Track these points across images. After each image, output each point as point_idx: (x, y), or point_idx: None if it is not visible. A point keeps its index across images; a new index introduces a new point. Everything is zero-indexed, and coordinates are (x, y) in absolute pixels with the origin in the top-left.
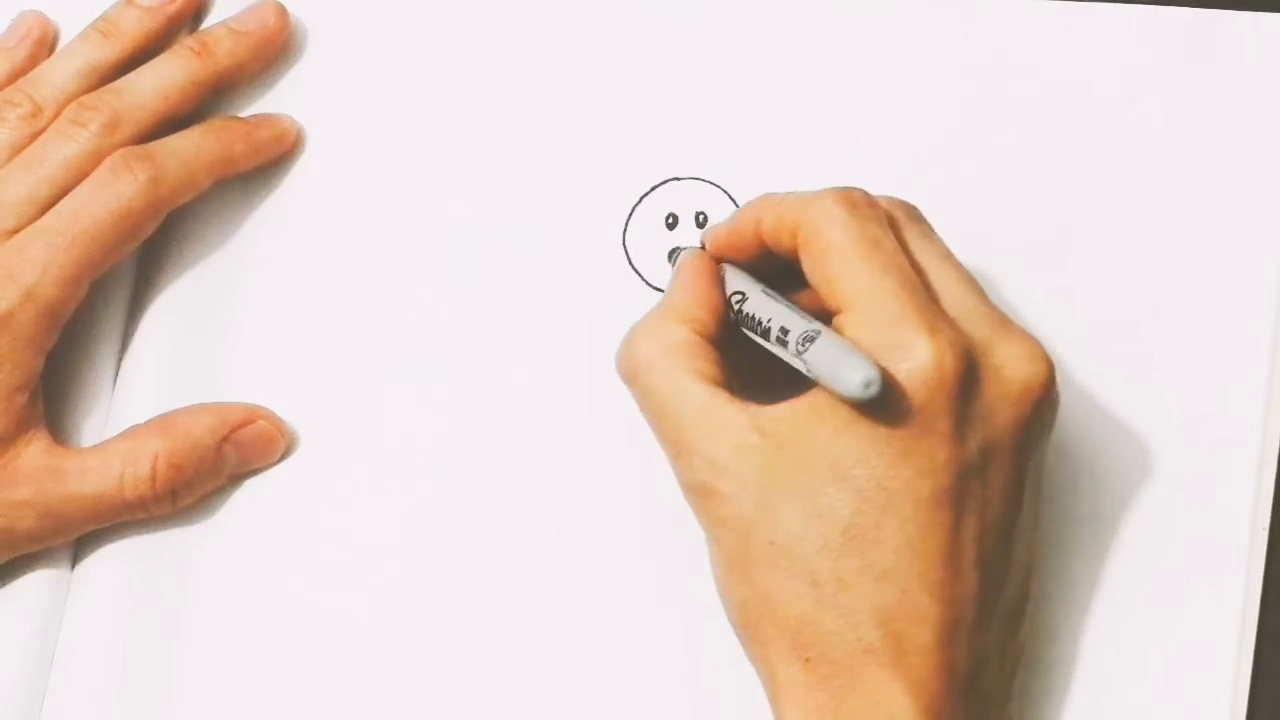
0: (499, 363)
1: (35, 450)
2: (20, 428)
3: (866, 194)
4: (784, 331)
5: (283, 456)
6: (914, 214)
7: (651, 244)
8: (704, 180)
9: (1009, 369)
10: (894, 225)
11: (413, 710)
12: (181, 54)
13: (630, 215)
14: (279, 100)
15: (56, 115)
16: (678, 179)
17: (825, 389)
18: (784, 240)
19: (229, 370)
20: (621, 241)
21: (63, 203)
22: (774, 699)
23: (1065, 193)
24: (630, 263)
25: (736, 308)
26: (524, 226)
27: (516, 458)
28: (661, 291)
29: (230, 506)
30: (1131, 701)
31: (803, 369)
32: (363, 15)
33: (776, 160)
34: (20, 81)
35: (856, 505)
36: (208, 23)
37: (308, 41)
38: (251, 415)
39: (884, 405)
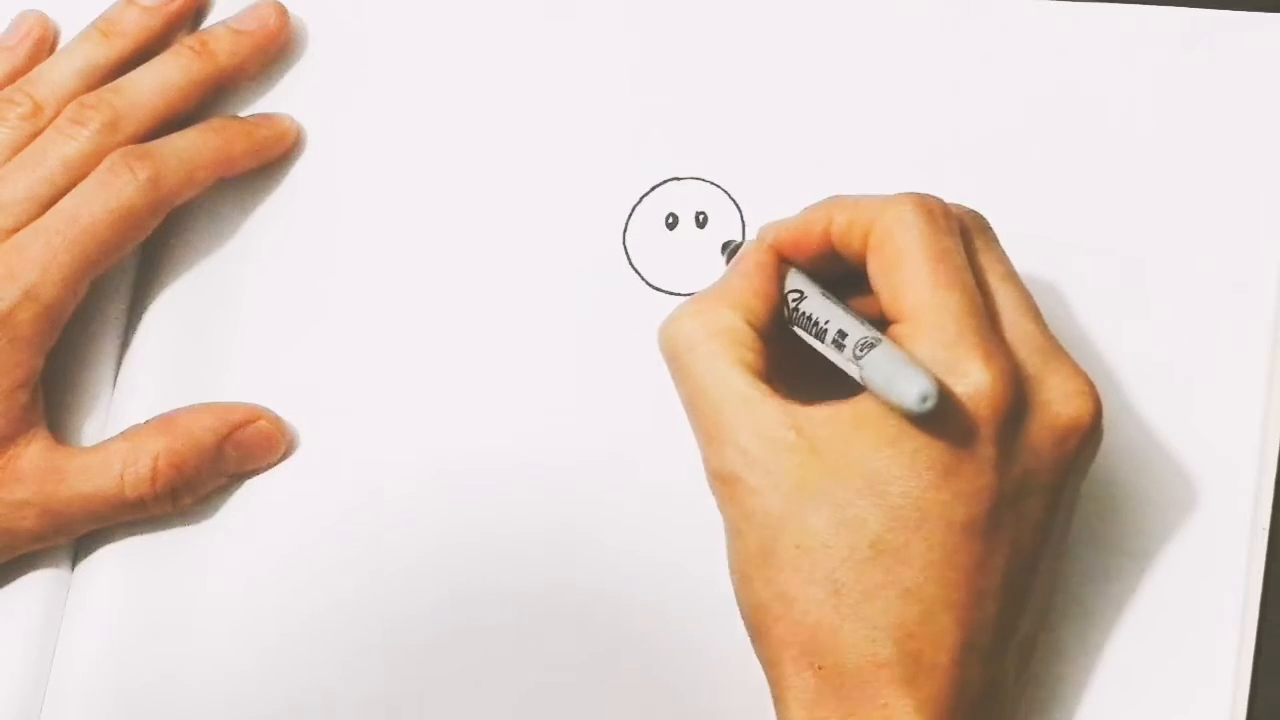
0: (499, 362)
1: (36, 450)
2: (20, 427)
3: (942, 202)
4: (841, 335)
5: (283, 456)
6: (984, 225)
7: (651, 244)
8: (704, 180)
9: (1057, 404)
10: (964, 236)
11: (413, 710)
12: (182, 53)
13: (630, 215)
14: (279, 100)
15: (56, 114)
16: (678, 179)
17: (874, 399)
18: (854, 242)
19: (229, 370)
20: (621, 241)
21: (63, 202)
22: (780, 702)
23: (1065, 193)
24: (630, 263)
25: (793, 305)
26: (524, 226)
27: (517, 457)
28: (662, 291)
29: (230, 506)
30: (1131, 701)
31: (856, 374)
32: (363, 15)
33: (776, 160)
34: (20, 81)
35: (888, 521)
36: (208, 23)
37: (308, 41)
38: (252, 415)
39: (932, 425)
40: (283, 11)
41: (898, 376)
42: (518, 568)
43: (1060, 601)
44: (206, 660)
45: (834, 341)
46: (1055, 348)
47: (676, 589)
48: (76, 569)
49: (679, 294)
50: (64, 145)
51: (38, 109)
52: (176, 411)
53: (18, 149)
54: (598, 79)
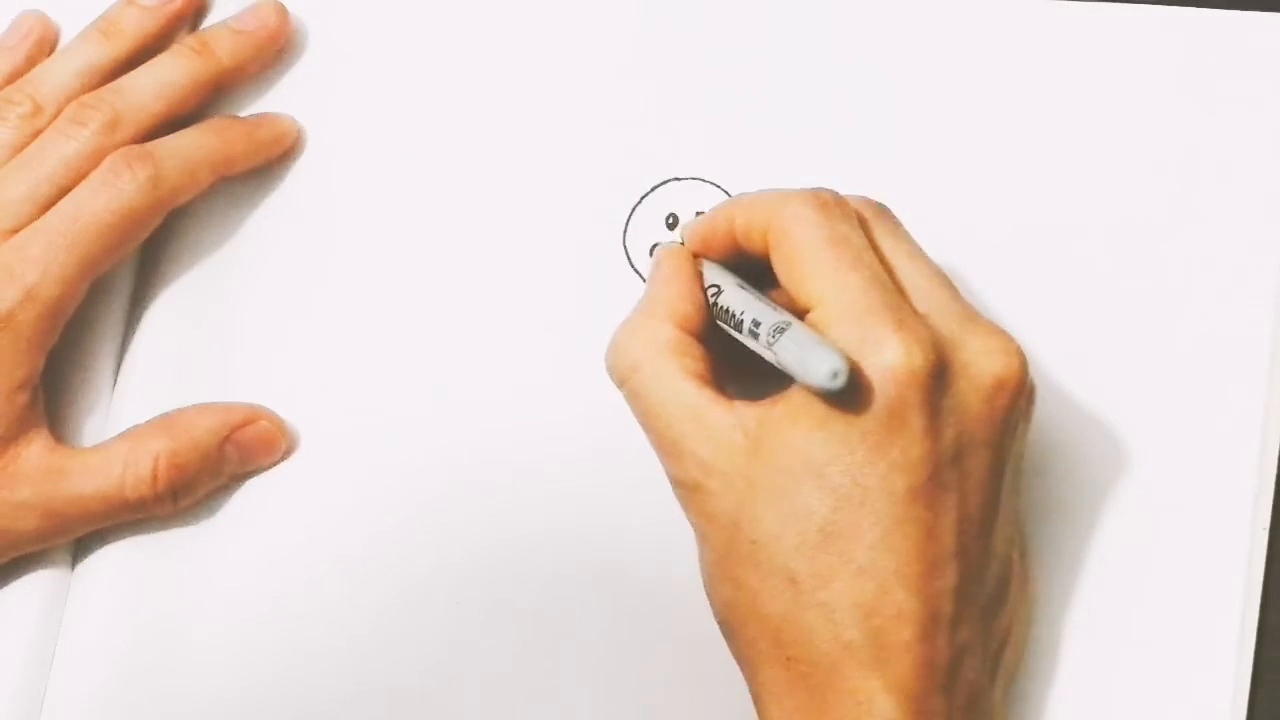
0: (499, 363)
1: (36, 450)
2: (21, 427)
3: (835, 193)
4: (755, 324)
5: (283, 457)
6: (883, 212)
7: (651, 244)
8: (704, 180)
9: (980, 363)
10: (863, 224)
11: (414, 709)
12: (182, 53)
13: (630, 215)
14: (279, 100)
15: (57, 114)
16: (678, 179)
17: (799, 385)
18: (755, 240)
19: (229, 370)
20: (622, 241)
21: (63, 202)
22: (757, 699)
23: (1065, 193)
24: (630, 263)
25: (712, 300)
26: (524, 227)
27: (517, 457)
28: None
29: (230, 506)
30: (1131, 701)
31: (773, 360)
32: (363, 15)
33: (776, 160)
34: (20, 81)
35: (833, 503)
36: (208, 23)
37: (308, 41)
38: (253, 415)
39: (855, 401)
40: (283, 11)
41: (808, 357)
42: (519, 567)
43: (1059, 607)
44: (206, 660)
45: (750, 331)
46: (971, 312)
47: (677, 588)
48: (76, 569)
49: None
50: (64, 145)
51: (38, 109)
52: (177, 411)
53: (18, 149)
54: (598, 79)
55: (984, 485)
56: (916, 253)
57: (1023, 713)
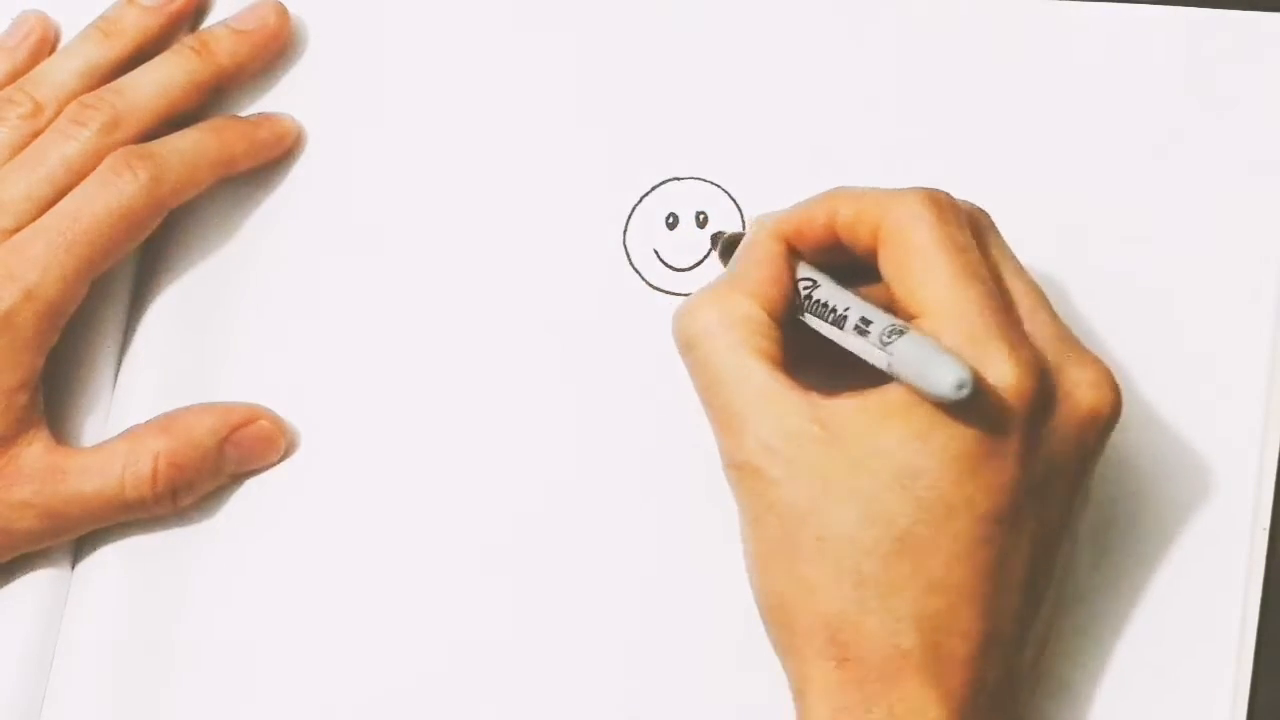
0: (499, 362)
1: (36, 450)
2: (21, 427)
3: (951, 197)
4: (865, 322)
5: (283, 457)
6: (990, 222)
7: (651, 244)
8: (704, 180)
9: (1080, 393)
10: (975, 231)
11: (413, 710)
12: (182, 53)
13: (630, 215)
14: (279, 100)
15: (57, 114)
16: (678, 179)
17: (900, 390)
18: (861, 235)
19: (229, 370)
20: (622, 241)
21: (63, 202)
22: (801, 694)
23: (1065, 192)
24: (630, 263)
25: (805, 293)
26: (524, 226)
27: (517, 457)
28: (662, 291)
29: (230, 506)
30: (1131, 701)
31: (882, 362)
32: (363, 15)
33: (776, 160)
34: (21, 81)
35: (916, 514)
36: (208, 22)
37: (308, 41)
38: (252, 415)
39: (963, 416)
40: (283, 11)
41: (931, 363)
42: (518, 567)
43: (1061, 601)
44: (206, 660)
45: (858, 328)
46: (1072, 339)
47: (678, 587)
48: (76, 569)
49: (679, 294)
50: (64, 145)
51: (38, 109)
52: (177, 411)
53: (18, 149)
54: (598, 79)
55: (1060, 514)
56: (1020, 268)
57: (1023, 713)
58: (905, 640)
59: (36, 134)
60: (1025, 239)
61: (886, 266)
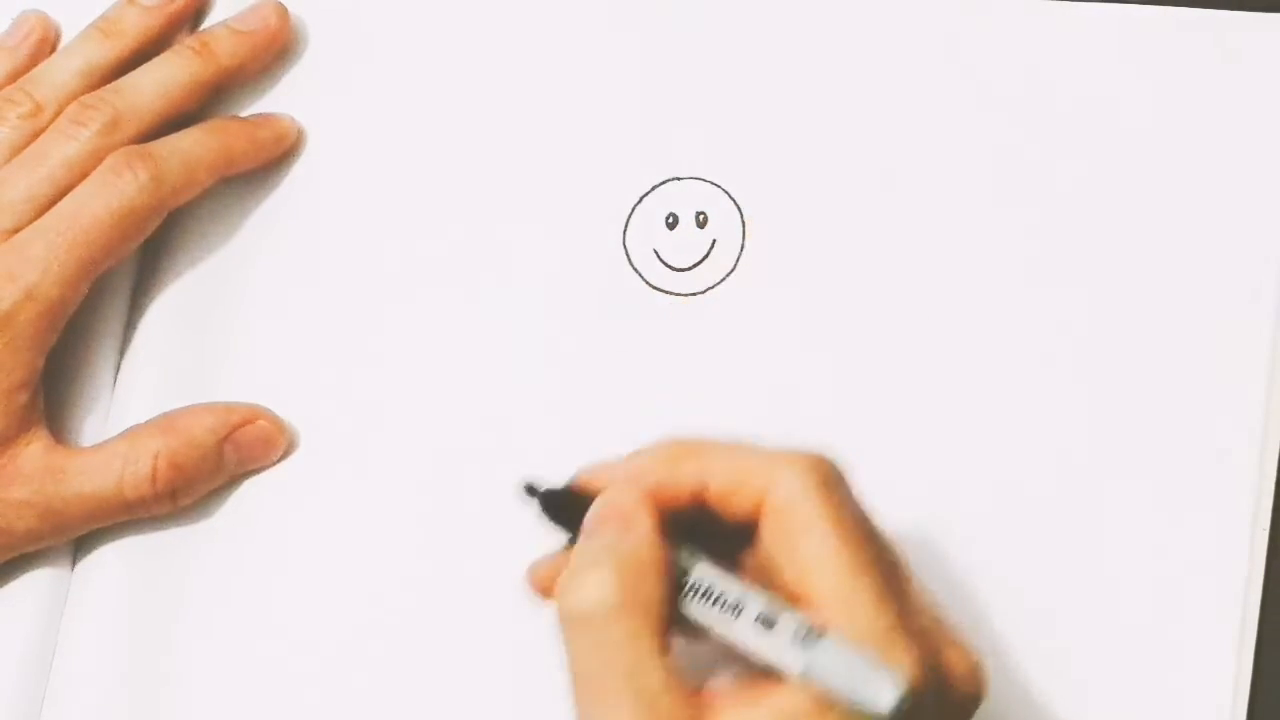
0: (499, 362)
1: (36, 450)
2: (21, 427)
3: (834, 465)
4: (766, 619)
5: (283, 456)
6: (846, 482)
7: (651, 244)
8: (704, 180)
9: (957, 682)
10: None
11: (414, 709)
12: (182, 53)
13: (630, 215)
14: (279, 100)
15: (57, 114)
16: (678, 179)
17: (800, 695)
18: (739, 506)
19: (229, 370)
20: (621, 241)
21: (63, 202)
22: None
23: (1065, 193)
24: (630, 263)
25: (681, 569)
26: (524, 226)
27: (516, 457)
28: (662, 291)
29: (230, 506)
30: (1132, 701)
31: (792, 666)
32: (363, 15)
33: (776, 160)
34: (21, 81)
35: None
36: (208, 23)
37: (308, 41)
38: (252, 415)
39: (857, 716)
40: (283, 11)
41: (865, 675)
42: (518, 567)
43: (1059, 607)
44: (206, 660)
45: (760, 622)
46: (943, 616)
47: None
48: (76, 569)
49: (679, 294)
50: (65, 145)
51: (38, 109)
52: (176, 411)
53: (18, 149)
54: (598, 79)
55: None
56: (883, 531)
57: (1024, 714)
58: None
59: (37, 134)
60: (1023, 239)
61: (773, 542)
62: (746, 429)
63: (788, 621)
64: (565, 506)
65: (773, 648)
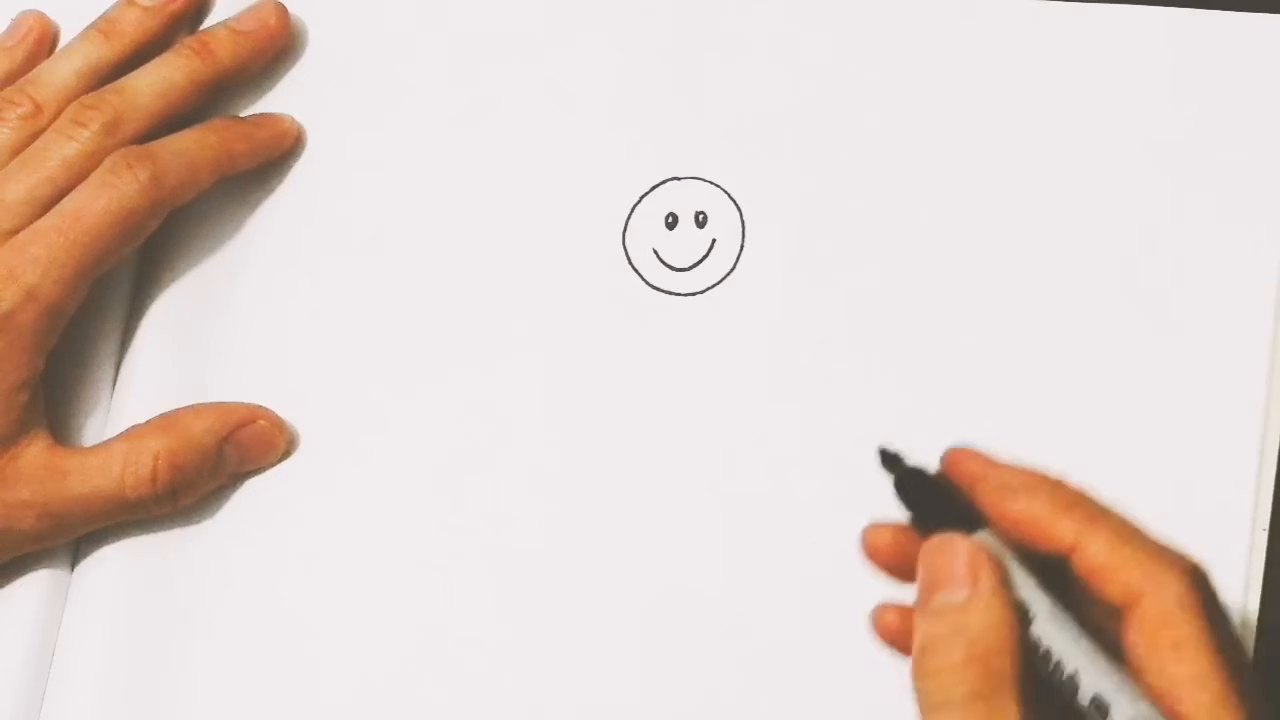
0: (499, 362)
1: (36, 450)
2: (21, 428)
3: (1210, 582)
4: (1101, 705)
5: (283, 456)
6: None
7: (651, 244)
8: (704, 180)
9: None
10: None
11: (413, 709)
12: (182, 54)
13: (630, 215)
14: (279, 100)
15: (57, 115)
16: (678, 179)
17: None
18: (1110, 589)
19: (229, 370)
20: (621, 241)
21: (63, 202)
22: None
23: (1063, 194)
24: (630, 263)
25: (1023, 613)
26: (524, 226)
27: (516, 457)
28: (662, 291)
29: (230, 506)
30: None
31: None
32: (363, 15)
33: (776, 160)
34: (20, 81)
35: None
36: (208, 23)
37: (308, 41)
38: (252, 415)
39: None
40: (283, 11)
41: None
42: (517, 567)
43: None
44: (206, 660)
45: (1093, 704)
46: None
47: (675, 589)
48: (76, 569)
49: (679, 294)
50: (64, 146)
51: (38, 109)
52: (177, 411)
53: (18, 150)
54: (598, 78)
55: None
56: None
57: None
58: None
59: (36, 134)
60: (1023, 239)
61: (1142, 642)
62: (746, 428)
63: (1124, 713)
64: (922, 488)
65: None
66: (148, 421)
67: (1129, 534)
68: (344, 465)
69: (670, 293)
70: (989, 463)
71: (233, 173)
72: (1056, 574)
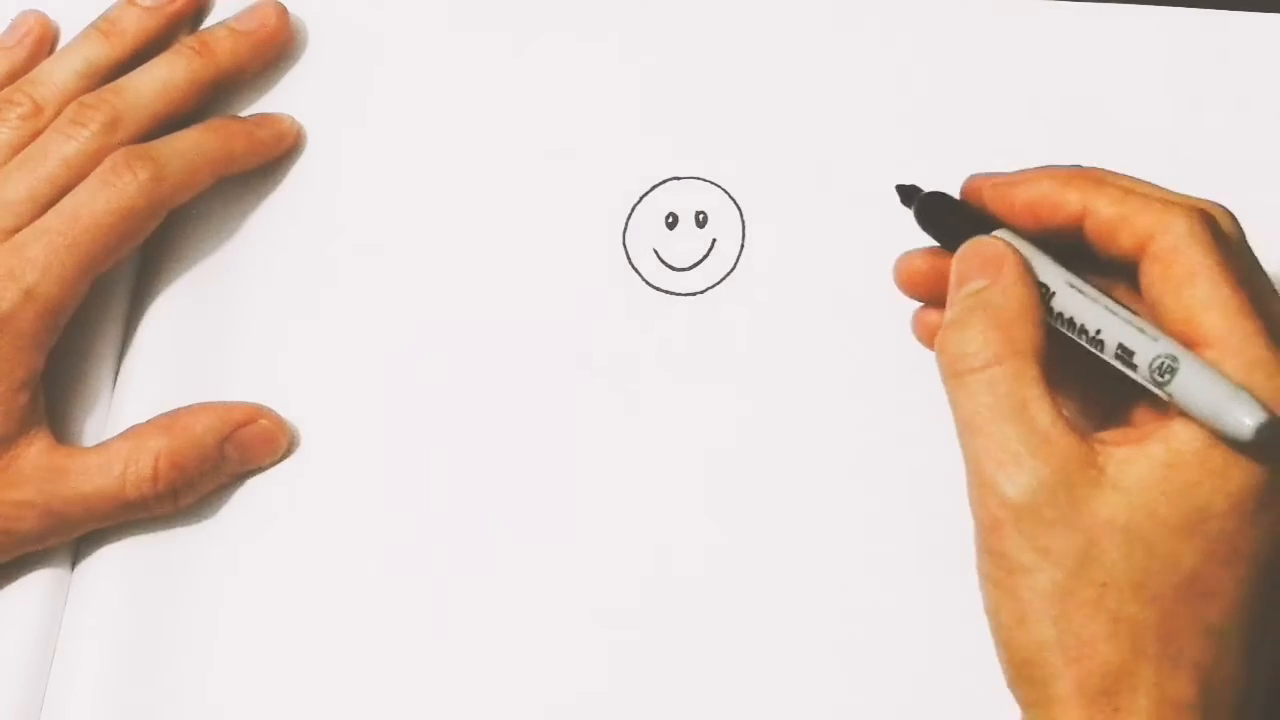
0: (499, 362)
1: (37, 450)
2: (22, 427)
3: (1228, 213)
4: (1126, 352)
5: (284, 456)
6: (1242, 233)
7: (651, 244)
8: (704, 180)
9: None
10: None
11: (413, 709)
12: (182, 53)
13: (630, 215)
14: (279, 100)
15: (57, 114)
16: (678, 179)
17: (1187, 429)
18: (1120, 241)
19: (229, 369)
20: (621, 241)
21: (63, 202)
22: None
23: None
24: (630, 263)
25: (1048, 294)
26: (524, 226)
27: (516, 457)
28: (662, 291)
29: (231, 506)
30: None
31: (1158, 392)
32: (363, 15)
33: (776, 160)
34: (20, 81)
35: (1202, 558)
36: (208, 23)
37: (308, 41)
38: (253, 414)
39: (1252, 455)
40: (283, 11)
41: (1223, 402)
42: (518, 568)
43: None
44: (206, 660)
45: (1118, 355)
46: None
47: (676, 587)
48: (76, 569)
49: (679, 294)
50: (64, 145)
51: (38, 109)
52: (178, 411)
53: (18, 149)
54: (598, 79)
55: None
56: (1270, 282)
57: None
58: (1183, 689)
59: (37, 134)
60: None
61: (1157, 282)
62: (746, 428)
63: (1146, 354)
64: (942, 212)
65: (1130, 369)
66: (149, 421)
67: (1134, 185)
68: (344, 464)
69: (670, 293)
70: (995, 174)
71: (232, 173)
72: (1077, 257)
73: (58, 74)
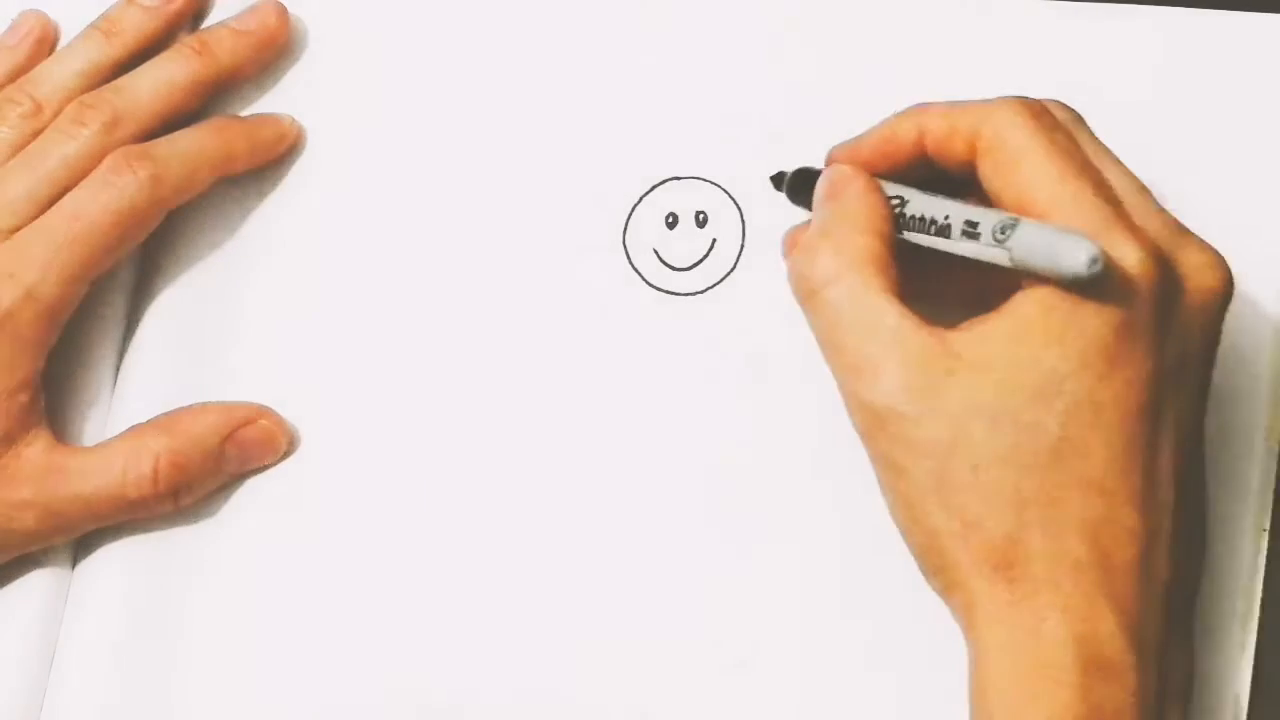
0: (499, 362)
1: (37, 450)
2: (22, 427)
3: (1042, 101)
4: (971, 225)
5: (284, 456)
6: (1081, 119)
7: (651, 244)
8: (704, 180)
9: (1196, 277)
10: (1071, 130)
11: (414, 709)
12: (182, 53)
13: (630, 215)
14: (279, 100)
15: (57, 114)
16: (678, 179)
17: (1028, 302)
18: (956, 149)
19: (229, 369)
20: (621, 241)
21: (63, 201)
22: (972, 625)
23: None
24: (630, 263)
25: (898, 213)
26: (524, 226)
27: (517, 456)
28: (662, 291)
29: (231, 506)
30: None
31: (1001, 259)
32: (363, 15)
33: (776, 160)
34: (21, 80)
35: (1064, 420)
36: (208, 23)
37: (308, 41)
38: (253, 414)
39: (1095, 309)
40: (283, 11)
41: (1058, 245)
42: (518, 567)
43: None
44: (206, 660)
45: (965, 233)
46: (1179, 224)
47: (677, 586)
48: (76, 569)
49: (679, 294)
50: (64, 145)
51: (38, 108)
52: (178, 411)
53: (18, 148)
54: (598, 78)
55: (1195, 403)
56: (1117, 160)
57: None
58: (1073, 548)
59: (37, 133)
60: None
61: (990, 174)
62: (746, 428)
63: (988, 221)
64: (810, 183)
65: (979, 249)
66: (149, 421)
67: (955, 104)
68: (344, 464)
69: (670, 293)
70: (845, 142)
71: (232, 173)
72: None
73: (58, 74)
